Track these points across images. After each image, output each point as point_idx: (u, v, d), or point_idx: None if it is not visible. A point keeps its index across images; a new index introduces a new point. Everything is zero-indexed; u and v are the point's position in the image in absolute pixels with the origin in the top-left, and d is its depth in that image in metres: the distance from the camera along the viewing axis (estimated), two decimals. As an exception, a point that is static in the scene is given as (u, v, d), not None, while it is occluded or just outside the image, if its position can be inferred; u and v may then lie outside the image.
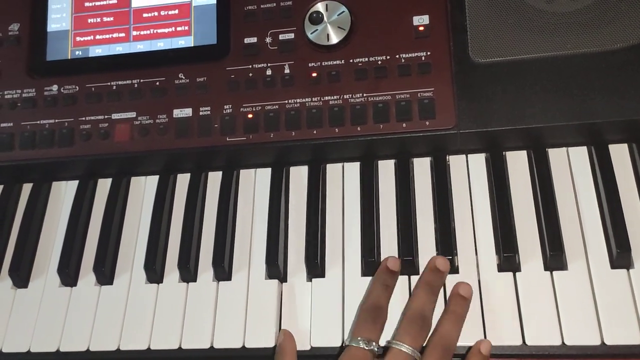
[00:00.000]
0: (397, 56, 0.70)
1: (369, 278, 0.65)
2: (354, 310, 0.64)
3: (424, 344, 0.59)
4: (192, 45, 0.76)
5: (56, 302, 0.70)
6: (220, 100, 0.73)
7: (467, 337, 0.60)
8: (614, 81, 0.64)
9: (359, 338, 0.59)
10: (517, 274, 0.62)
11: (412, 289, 0.64)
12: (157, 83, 0.75)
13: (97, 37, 0.78)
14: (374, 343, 0.59)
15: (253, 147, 0.71)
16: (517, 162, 0.68)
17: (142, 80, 0.75)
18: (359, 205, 0.69)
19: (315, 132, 0.70)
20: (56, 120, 0.76)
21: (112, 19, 0.78)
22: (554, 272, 0.62)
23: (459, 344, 0.60)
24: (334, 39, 0.71)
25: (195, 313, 0.67)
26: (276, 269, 0.67)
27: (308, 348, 0.63)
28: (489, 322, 0.60)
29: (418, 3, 0.70)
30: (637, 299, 0.59)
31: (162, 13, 0.77)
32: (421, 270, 0.64)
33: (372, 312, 0.61)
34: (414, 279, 0.64)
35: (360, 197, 0.70)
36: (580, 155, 0.67)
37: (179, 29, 0.77)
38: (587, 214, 0.64)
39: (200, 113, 0.73)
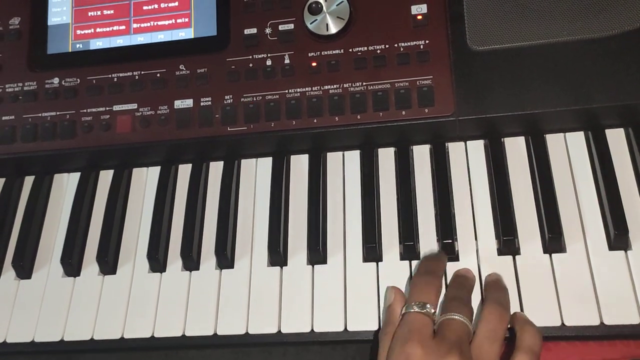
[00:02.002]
0: (396, 45, 0.71)
1: (370, 264, 0.66)
2: (355, 295, 0.64)
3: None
4: (193, 37, 0.76)
5: (59, 293, 0.71)
6: (221, 90, 0.73)
7: (468, 319, 0.61)
8: (610, 67, 0.65)
9: (412, 303, 0.57)
10: (517, 257, 0.63)
11: (412, 274, 0.64)
12: (158, 75, 0.75)
13: (98, 30, 0.79)
14: (428, 305, 0.56)
15: (254, 136, 0.72)
16: (516, 148, 0.69)
17: (142, 72, 0.76)
18: (360, 193, 0.70)
19: (315, 121, 0.70)
20: (58, 113, 0.76)
21: (112, 11, 0.79)
22: (552, 255, 0.62)
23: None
24: (333, 28, 0.72)
25: (198, 301, 0.67)
26: (278, 256, 0.67)
27: (308, 330, 0.63)
28: (489, 305, 0.61)
29: (416, -8, 0.71)
30: (635, 280, 0.60)
31: (162, 5, 0.78)
32: (422, 255, 0.65)
33: (425, 275, 0.60)
34: (415, 264, 0.65)
35: (361, 185, 0.70)
36: (577, 140, 0.68)
37: (179, 20, 0.77)
38: (585, 197, 0.65)
39: (201, 104, 0.73)
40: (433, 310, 0.57)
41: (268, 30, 0.74)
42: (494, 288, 0.61)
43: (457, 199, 0.67)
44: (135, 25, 0.78)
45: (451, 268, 0.64)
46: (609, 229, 0.62)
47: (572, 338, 0.60)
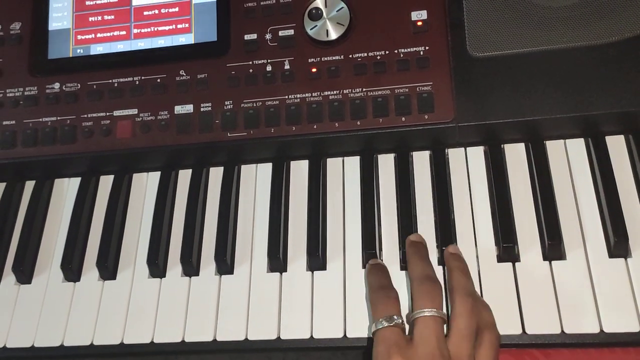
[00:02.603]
0: (396, 51, 0.71)
1: (370, 270, 0.65)
2: (355, 302, 0.64)
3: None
4: (193, 42, 0.77)
5: (60, 298, 0.71)
6: (221, 96, 0.73)
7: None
8: (610, 73, 0.65)
9: (380, 319, 0.58)
10: (517, 264, 0.63)
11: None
12: (158, 80, 0.76)
13: (98, 35, 0.79)
14: (394, 317, 0.57)
15: (254, 142, 0.72)
16: (516, 155, 0.69)
17: (143, 78, 0.76)
18: (359, 199, 0.70)
19: (315, 126, 0.71)
20: (58, 118, 0.77)
21: (113, 17, 0.79)
22: (552, 262, 0.62)
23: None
24: (333, 34, 0.72)
25: (197, 306, 0.67)
26: (278, 262, 0.67)
27: (308, 337, 0.63)
28: (489, 312, 0.61)
29: (416, -2, 0.71)
30: (635, 288, 0.60)
31: (163, 11, 0.78)
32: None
33: (379, 290, 0.61)
34: (415, 270, 0.65)
35: (361, 191, 0.70)
36: (577, 146, 0.68)
37: (179, 26, 0.77)
38: (585, 204, 0.65)
39: (201, 109, 0.73)
40: (400, 320, 0.57)
41: (268, 36, 0.74)
42: (457, 272, 0.60)
43: (457, 206, 0.67)
44: (135, 31, 0.78)
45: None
46: (609, 236, 0.62)
47: (572, 345, 0.60)
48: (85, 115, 0.76)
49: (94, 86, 0.77)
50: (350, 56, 0.72)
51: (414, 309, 0.58)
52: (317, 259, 0.66)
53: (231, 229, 0.71)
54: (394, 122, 0.69)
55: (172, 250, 0.71)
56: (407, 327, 0.59)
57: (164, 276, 0.70)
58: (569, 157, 0.68)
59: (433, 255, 0.65)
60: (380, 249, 0.67)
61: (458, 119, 0.68)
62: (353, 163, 0.72)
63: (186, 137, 0.73)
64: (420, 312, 0.57)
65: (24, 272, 0.72)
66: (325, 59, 0.72)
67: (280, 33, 0.74)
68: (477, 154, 0.70)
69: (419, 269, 0.61)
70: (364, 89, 0.70)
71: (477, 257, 0.64)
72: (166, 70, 0.76)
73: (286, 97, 0.72)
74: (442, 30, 0.70)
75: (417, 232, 0.66)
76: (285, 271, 0.68)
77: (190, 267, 0.69)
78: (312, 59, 0.72)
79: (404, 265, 0.65)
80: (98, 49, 0.79)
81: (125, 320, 0.68)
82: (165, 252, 0.71)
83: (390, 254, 0.66)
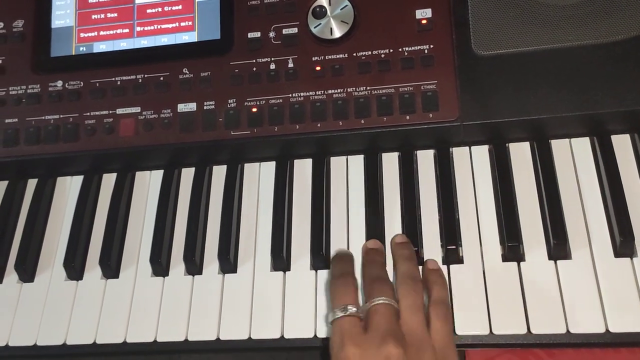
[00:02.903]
0: (400, 49, 0.70)
1: (374, 269, 0.65)
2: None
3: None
4: (196, 40, 0.76)
5: (62, 296, 0.70)
6: (225, 94, 0.73)
7: (474, 325, 0.60)
8: (616, 72, 0.65)
9: (335, 309, 0.58)
10: (522, 263, 0.63)
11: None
12: (162, 78, 0.75)
13: (101, 33, 0.79)
14: (349, 306, 0.58)
15: (257, 140, 0.72)
16: (521, 154, 0.69)
17: (146, 76, 0.76)
18: (363, 198, 0.70)
19: (319, 125, 0.70)
20: (61, 116, 0.76)
21: (116, 15, 0.79)
22: (558, 261, 0.62)
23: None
24: (337, 33, 0.72)
25: (201, 305, 0.67)
26: (281, 261, 0.67)
27: (311, 336, 0.63)
28: (493, 311, 0.61)
29: (420, -4, 0.71)
30: (641, 287, 0.60)
31: (166, 9, 0.78)
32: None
33: (338, 279, 0.61)
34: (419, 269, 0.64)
35: (365, 190, 0.70)
36: (583, 145, 0.68)
37: (182, 24, 0.77)
38: (590, 204, 0.64)
39: (205, 107, 0.73)
40: (355, 309, 0.58)
41: (272, 34, 0.74)
42: (401, 260, 0.62)
43: (462, 205, 0.67)
44: (139, 29, 0.78)
45: (455, 273, 0.63)
46: (614, 235, 0.62)
47: (577, 345, 0.59)
48: (88, 113, 0.76)
49: (97, 84, 0.77)
50: (355, 54, 0.71)
51: (367, 297, 0.59)
52: (320, 258, 0.66)
53: (234, 228, 0.70)
54: (398, 120, 0.69)
55: (175, 248, 0.71)
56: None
57: (167, 275, 0.70)
58: (574, 156, 0.67)
59: (438, 255, 0.65)
60: (385, 248, 0.66)
61: (463, 118, 0.67)
62: (357, 162, 0.72)
63: (189, 136, 0.73)
64: (372, 301, 0.58)
65: (27, 271, 0.72)
66: (329, 57, 0.72)
67: (284, 31, 0.73)
68: (481, 152, 0.70)
69: (369, 272, 0.62)
70: (368, 88, 0.70)
71: (482, 256, 0.64)
72: (169, 69, 0.75)
73: (290, 95, 0.72)
74: (447, 29, 0.70)
75: (422, 231, 0.66)
76: (289, 270, 0.67)
77: (194, 266, 0.69)
78: (316, 57, 0.72)
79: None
80: (101, 47, 0.78)
81: (128, 319, 0.68)
82: (168, 251, 0.71)
83: (394, 253, 0.66)
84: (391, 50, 0.71)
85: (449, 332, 0.58)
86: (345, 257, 0.65)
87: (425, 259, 0.64)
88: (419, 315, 0.57)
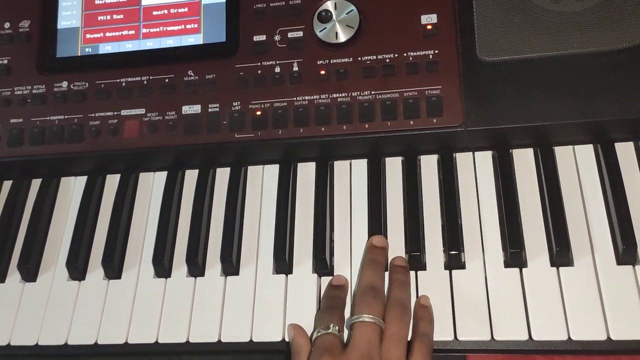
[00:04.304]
0: (405, 54, 0.70)
1: (376, 274, 0.65)
2: (361, 305, 0.64)
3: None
4: (202, 42, 0.76)
5: (64, 296, 0.71)
6: (229, 97, 0.73)
7: (474, 331, 0.61)
8: (620, 80, 0.65)
9: (318, 328, 0.60)
10: (524, 270, 0.63)
11: (418, 284, 0.64)
12: (167, 80, 0.75)
13: (107, 34, 0.79)
14: (331, 325, 0.59)
15: (261, 143, 0.72)
16: (524, 160, 0.69)
17: (151, 77, 0.76)
18: (366, 202, 0.70)
19: (323, 129, 0.70)
20: (66, 117, 0.77)
21: (122, 16, 0.79)
22: (560, 268, 0.62)
23: (449, 339, 0.61)
24: (343, 37, 0.72)
25: (203, 307, 0.67)
26: (284, 264, 0.67)
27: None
28: (495, 317, 0.61)
29: (426, 2, 0.71)
30: (643, 295, 0.59)
31: (172, 11, 0.78)
32: (428, 265, 0.65)
33: (325, 300, 0.63)
34: (421, 274, 0.65)
35: (368, 194, 0.70)
36: (586, 153, 0.68)
37: (188, 26, 0.77)
38: (593, 211, 0.65)
39: (209, 110, 0.73)
40: (337, 328, 0.60)
41: (277, 38, 0.74)
42: (396, 285, 0.62)
43: (465, 210, 0.67)
44: (144, 30, 0.78)
45: (457, 278, 0.63)
46: (617, 243, 0.62)
47: (578, 352, 0.59)
48: (93, 114, 0.76)
49: (102, 85, 0.77)
50: (359, 59, 0.71)
51: (353, 314, 0.60)
52: (323, 262, 0.66)
53: (237, 230, 0.71)
54: (402, 125, 0.69)
55: (177, 250, 0.71)
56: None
57: (169, 276, 0.70)
58: (577, 163, 0.68)
59: (440, 260, 0.65)
60: (387, 253, 0.66)
61: (467, 123, 0.67)
62: (360, 166, 0.72)
63: (193, 138, 0.73)
64: (357, 317, 0.59)
65: (29, 270, 0.72)
66: (334, 61, 0.72)
67: (290, 35, 0.74)
68: (485, 158, 0.70)
69: (367, 277, 0.62)
70: (372, 92, 0.70)
71: (484, 262, 0.64)
72: (174, 71, 0.76)
73: (294, 99, 0.72)
74: (452, 34, 0.70)
75: (424, 236, 0.66)
76: (291, 273, 0.67)
77: (196, 268, 0.69)
78: (320, 61, 0.72)
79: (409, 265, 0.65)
80: (106, 48, 0.79)
81: (130, 320, 0.68)
82: (171, 252, 0.71)
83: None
84: (396, 55, 0.71)
85: None
86: (334, 287, 0.64)
87: (418, 296, 0.63)
88: (400, 346, 0.58)
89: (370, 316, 0.58)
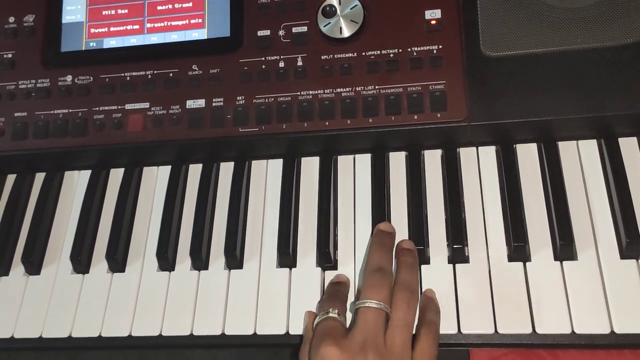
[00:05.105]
0: (409, 49, 0.71)
1: (380, 268, 0.65)
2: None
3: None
4: (206, 37, 0.77)
5: (68, 289, 0.71)
6: (233, 91, 0.73)
7: (478, 325, 0.61)
8: (624, 75, 0.65)
9: (319, 314, 0.60)
10: (527, 263, 0.63)
11: (422, 278, 0.64)
12: (171, 74, 0.76)
13: (112, 29, 0.79)
14: (334, 310, 0.59)
15: (265, 138, 0.72)
16: (528, 155, 0.69)
17: (155, 72, 0.76)
18: (370, 196, 0.70)
19: (327, 123, 0.71)
20: (70, 110, 0.77)
21: (126, 11, 0.79)
22: (564, 262, 0.62)
23: (452, 332, 0.61)
24: (347, 32, 0.72)
25: (206, 300, 0.67)
26: (287, 257, 0.67)
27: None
28: (499, 311, 0.61)
29: (430, -3, 0.71)
30: (647, 289, 0.60)
31: (176, 5, 0.78)
32: (432, 260, 0.65)
33: (329, 288, 0.63)
34: (424, 268, 0.65)
35: (371, 189, 0.70)
36: (590, 148, 0.68)
37: (192, 21, 0.78)
38: (597, 205, 0.65)
39: (213, 104, 0.74)
40: (337, 311, 0.59)
41: (281, 32, 0.74)
42: (404, 268, 0.62)
43: (468, 205, 0.67)
44: (149, 25, 0.78)
45: (461, 272, 0.64)
46: (620, 237, 0.62)
47: (582, 346, 0.59)
48: (97, 108, 0.76)
49: (106, 79, 0.77)
50: (363, 54, 0.72)
51: (359, 298, 0.59)
52: (327, 256, 0.66)
53: (241, 224, 0.71)
54: (406, 120, 0.69)
55: (181, 244, 0.71)
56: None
57: (173, 270, 0.70)
58: (581, 158, 0.68)
59: (443, 254, 0.65)
60: (391, 247, 0.67)
61: (470, 118, 0.68)
62: (364, 160, 0.72)
63: (197, 132, 0.73)
64: (362, 302, 0.58)
65: (33, 263, 0.72)
66: (338, 56, 0.72)
67: (294, 29, 0.74)
68: (489, 153, 0.70)
69: (375, 259, 0.62)
70: (376, 87, 0.70)
71: (488, 256, 0.64)
72: (179, 65, 0.76)
73: (298, 93, 0.72)
74: (456, 29, 0.70)
75: (428, 231, 0.66)
76: (295, 267, 0.68)
77: (200, 261, 0.69)
78: (324, 56, 0.72)
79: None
80: (111, 43, 0.79)
81: (134, 313, 0.68)
82: (175, 246, 0.71)
83: (400, 251, 0.66)
84: (400, 50, 0.71)
85: (434, 356, 0.57)
86: (340, 284, 0.65)
87: (423, 290, 0.63)
88: (405, 331, 0.57)
89: (375, 301, 0.58)
